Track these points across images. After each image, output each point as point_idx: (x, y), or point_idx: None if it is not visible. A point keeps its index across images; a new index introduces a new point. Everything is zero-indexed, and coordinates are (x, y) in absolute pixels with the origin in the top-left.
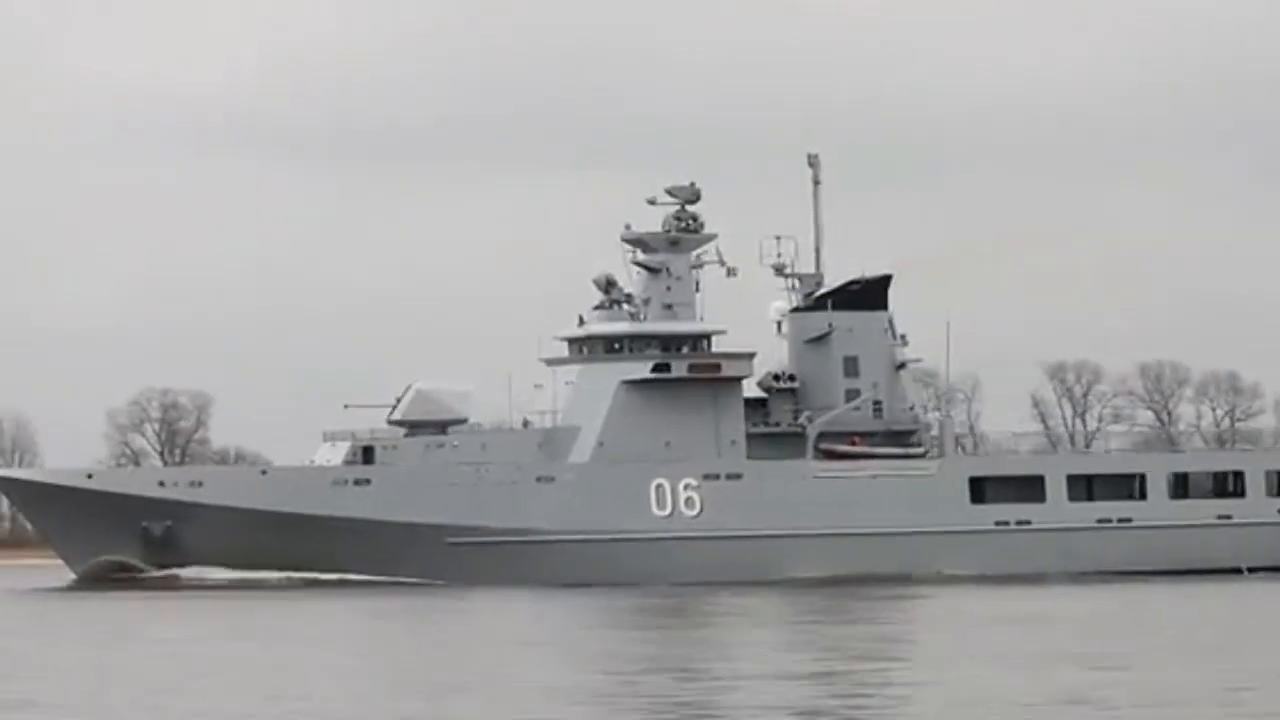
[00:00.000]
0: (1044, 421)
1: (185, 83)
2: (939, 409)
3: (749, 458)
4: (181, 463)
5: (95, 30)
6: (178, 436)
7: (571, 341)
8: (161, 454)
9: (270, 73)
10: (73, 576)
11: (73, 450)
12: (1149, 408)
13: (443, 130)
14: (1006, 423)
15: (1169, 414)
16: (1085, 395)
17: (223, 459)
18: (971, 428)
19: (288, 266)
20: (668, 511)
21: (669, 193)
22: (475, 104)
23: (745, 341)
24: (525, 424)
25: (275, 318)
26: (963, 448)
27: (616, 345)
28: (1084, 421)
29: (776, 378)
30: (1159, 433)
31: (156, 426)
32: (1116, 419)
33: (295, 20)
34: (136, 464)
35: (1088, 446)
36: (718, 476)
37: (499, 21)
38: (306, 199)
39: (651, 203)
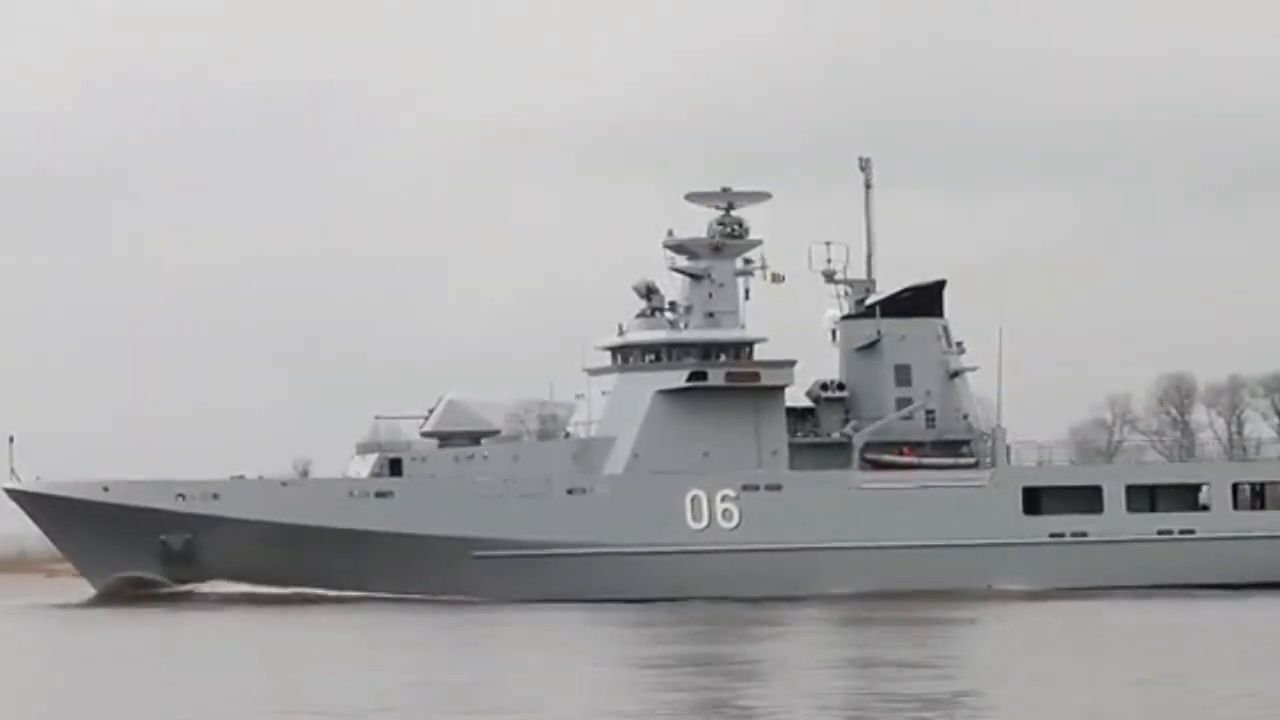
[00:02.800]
0: None
1: (555, 105)
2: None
3: (794, 469)
4: None
5: (466, 58)
6: None
7: (611, 350)
8: None
9: (637, 93)
10: (92, 592)
11: None
12: None
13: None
14: None
15: None
16: None
17: None
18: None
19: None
20: (704, 524)
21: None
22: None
23: (798, 351)
24: (566, 435)
25: None
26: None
27: (654, 354)
28: None
29: (824, 386)
30: None
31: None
32: None
33: (654, 41)
34: None
35: None
36: (756, 487)
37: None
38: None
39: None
